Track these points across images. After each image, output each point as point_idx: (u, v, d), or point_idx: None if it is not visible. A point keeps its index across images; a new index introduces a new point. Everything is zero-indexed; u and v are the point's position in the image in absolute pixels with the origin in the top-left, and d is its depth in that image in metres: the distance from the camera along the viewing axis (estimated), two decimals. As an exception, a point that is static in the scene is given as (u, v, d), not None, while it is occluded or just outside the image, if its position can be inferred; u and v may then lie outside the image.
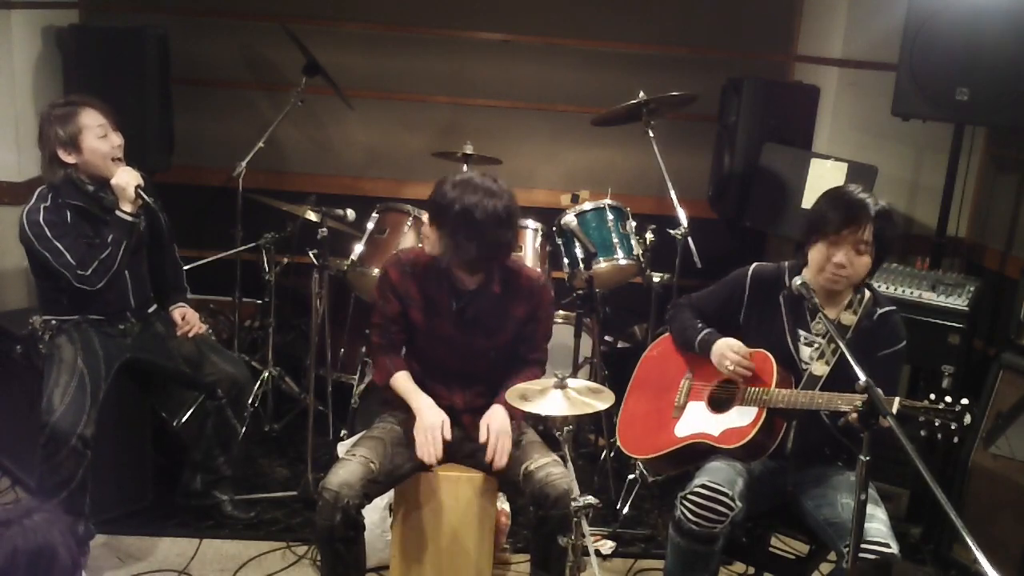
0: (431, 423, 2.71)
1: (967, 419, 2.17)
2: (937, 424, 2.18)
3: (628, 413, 2.91)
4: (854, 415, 2.18)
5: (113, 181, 3.04)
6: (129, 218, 3.05)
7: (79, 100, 3.07)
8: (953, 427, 2.17)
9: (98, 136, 3.04)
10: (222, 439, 3.33)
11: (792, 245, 3.10)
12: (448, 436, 2.72)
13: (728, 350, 2.65)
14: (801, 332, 2.66)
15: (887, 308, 2.64)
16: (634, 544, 3.41)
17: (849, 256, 2.53)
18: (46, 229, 2.98)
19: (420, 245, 3.48)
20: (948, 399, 2.19)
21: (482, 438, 2.72)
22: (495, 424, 2.73)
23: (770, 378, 2.58)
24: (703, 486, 2.48)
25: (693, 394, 2.78)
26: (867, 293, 2.64)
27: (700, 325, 2.78)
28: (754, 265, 2.77)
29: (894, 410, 2.20)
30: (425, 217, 2.70)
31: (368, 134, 4.86)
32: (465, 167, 4.00)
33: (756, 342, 2.67)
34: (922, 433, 2.19)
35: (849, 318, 2.61)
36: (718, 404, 2.70)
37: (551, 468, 2.66)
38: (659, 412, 2.80)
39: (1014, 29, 3.38)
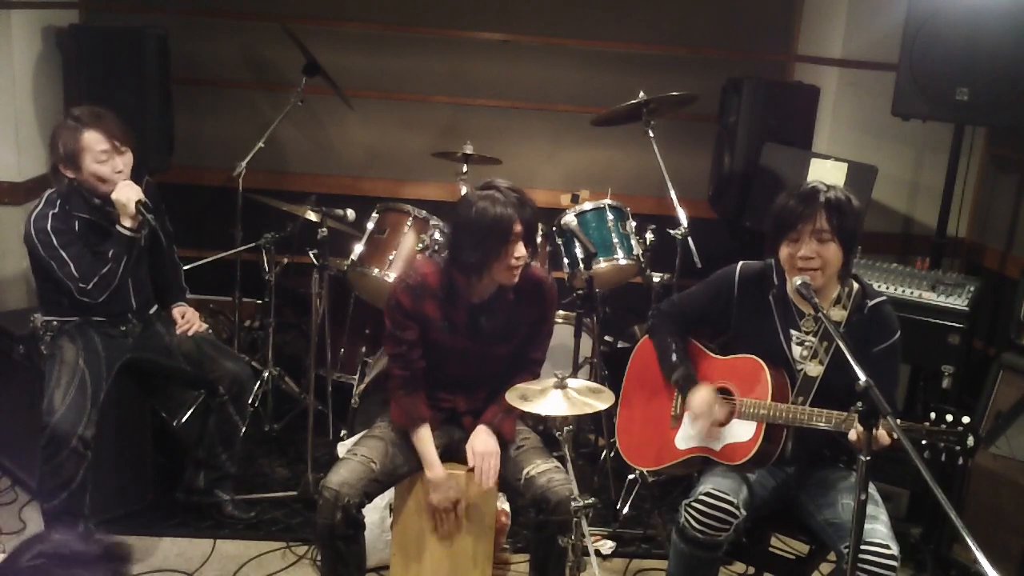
0: (443, 496, 2.76)
1: (970, 441, 2.15)
2: (941, 446, 2.17)
3: (625, 417, 2.88)
4: (854, 436, 2.15)
5: (114, 196, 3.01)
6: (130, 233, 3.03)
7: (89, 119, 3.00)
8: (957, 449, 2.16)
9: (97, 160, 3.00)
10: (224, 436, 3.32)
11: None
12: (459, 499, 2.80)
13: (700, 415, 2.57)
14: (792, 332, 2.62)
15: (877, 300, 2.58)
16: (634, 544, 3.40)
17: (812, 247, 2.47)
18: (53, 237, 2.97)
19: (418, 256, 3.47)
20: (949, 418, 2.17)
21: (470, 463, 2.73)
22: (479, 446, 2.73)
23: (764, 387, 2.53)
24: (708, 494, 2.46)
25: None
26: (855, 286, 2.59)
27: (675, 359, 2.70)
28: (740, 264, 2.72)
29: (895, 435, 2.16)
30: (436, 225, 2.65)
31: (368, 134, 4.87)
32: (464, 167, 4.00)
33: (750, 343, 2.64)
34: (925, 455, 2.17)
35: (839, 313, 2.55)
36: None
37: (552, 474, 2.66)
38: (657, 420, 2.77)
39: (1014, 29, 3.38)
